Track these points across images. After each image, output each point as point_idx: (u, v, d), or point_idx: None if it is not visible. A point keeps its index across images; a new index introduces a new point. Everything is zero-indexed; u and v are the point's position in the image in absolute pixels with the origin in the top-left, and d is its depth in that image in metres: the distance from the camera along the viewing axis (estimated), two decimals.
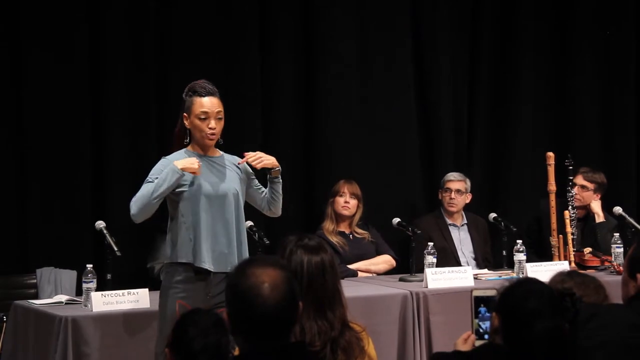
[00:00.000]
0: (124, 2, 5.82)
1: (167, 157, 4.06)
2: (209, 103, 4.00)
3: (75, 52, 5.71)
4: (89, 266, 4.49)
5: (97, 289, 4.46)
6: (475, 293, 2.75)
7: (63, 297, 4.69)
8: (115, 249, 4.64)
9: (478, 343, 2.69)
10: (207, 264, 3.92)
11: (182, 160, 3.93)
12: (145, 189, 3.96)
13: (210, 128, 3.98)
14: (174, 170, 3.89)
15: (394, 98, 6.60)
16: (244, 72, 6.10)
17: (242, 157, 4.09)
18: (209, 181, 3.99)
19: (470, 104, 6.93)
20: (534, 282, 2.53)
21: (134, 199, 3.99)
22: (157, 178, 3.96)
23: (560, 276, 2.98)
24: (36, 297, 5.27)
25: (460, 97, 6.87)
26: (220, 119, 4.02)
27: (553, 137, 7.00)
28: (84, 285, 4.45)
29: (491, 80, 6.98)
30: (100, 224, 4.84)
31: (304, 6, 6.33)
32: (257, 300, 2.31)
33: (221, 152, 4.12)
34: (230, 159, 4.14)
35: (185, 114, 4.04)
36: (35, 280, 5.48)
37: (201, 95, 4.01)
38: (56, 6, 5.66)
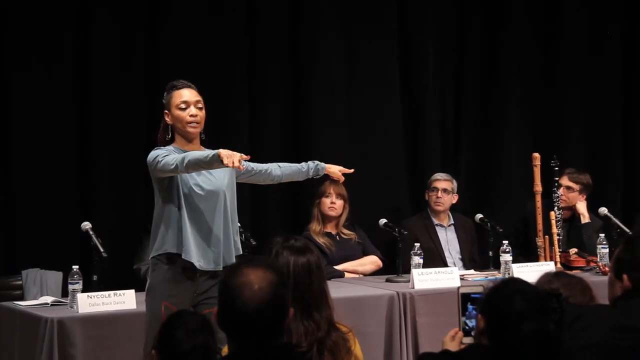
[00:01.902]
0: (114, 6, 5.80)
1: (160, 147, 4.00)
2: (187, 93, 4.02)
3: (63, 54, 5.69)
4: (75, 267, 4.48)
5: (83, 290, 4.46)
6: (462, 290, 2.76)
7: (49, 299, 4.68)
8: (102, 250, 4.64)
9: (465, 340, 2.69)
10: (195, 260, 3.89)
11: (228, 153, 3.67)
12: (191, 154, 3.77)
13: (191, 115, 3.98)
14: (219, 161, 3.65)
15: (380, 99, 6.60)
16: (233, 75, 6.09)
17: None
18: (198, 178, 3.96)
19: (457, 105, 6.94)
20: (519, 282, 2.51)
21: (181, 158, 3.76)
22: (169, 155, 3.84)
23: (547, 277, 2.98)
24: (22, 298, 5.24)
25: (446, 98, 6.88)
26: (200, 108, 4.01)
27: (539, 138, 7.01)
28: (70, 287, 4.44)
29: (478, 81, 6.99)
30: (86, 225, 4.83)
31: (291, 7, 6.33)
32: (239, 300, 2.33)
33: (205, 149, 4.08)
34: None
35: (166, 111, 4.03)
36: (20, 282, 5.45)
37: (179, 88, 4.03)
38: (45, 9, 5.62)
